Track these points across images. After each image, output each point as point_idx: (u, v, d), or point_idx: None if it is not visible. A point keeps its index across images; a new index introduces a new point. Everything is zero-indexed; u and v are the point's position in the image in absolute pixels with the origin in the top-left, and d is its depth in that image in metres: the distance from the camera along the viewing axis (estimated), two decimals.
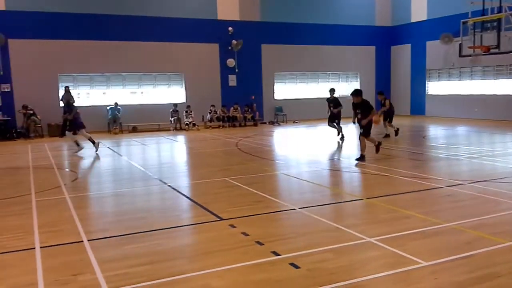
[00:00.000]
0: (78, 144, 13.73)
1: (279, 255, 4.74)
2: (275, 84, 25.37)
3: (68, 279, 4.28)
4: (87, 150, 13.79)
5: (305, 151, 13.31)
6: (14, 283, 4.26)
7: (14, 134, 18.97)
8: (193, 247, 5.32)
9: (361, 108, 10.65)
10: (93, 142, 13.74)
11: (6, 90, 19.42)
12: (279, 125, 23.46)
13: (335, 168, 10.51)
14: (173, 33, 22.17)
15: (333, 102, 15.45)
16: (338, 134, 15.48)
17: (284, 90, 25.84)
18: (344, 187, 8.41)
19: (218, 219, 6.19)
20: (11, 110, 19.45)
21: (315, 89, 26.12)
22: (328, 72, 26.77)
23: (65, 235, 5.68)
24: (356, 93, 10.81)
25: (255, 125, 23.48)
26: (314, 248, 4.94)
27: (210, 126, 22.67)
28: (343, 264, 4.48)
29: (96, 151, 13.61)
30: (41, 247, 5.19)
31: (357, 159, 10.62)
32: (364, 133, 10.74)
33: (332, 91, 15.60)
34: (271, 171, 10.10)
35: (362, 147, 10.74)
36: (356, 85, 27.40)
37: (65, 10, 20.05)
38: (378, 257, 4.69)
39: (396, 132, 15.61)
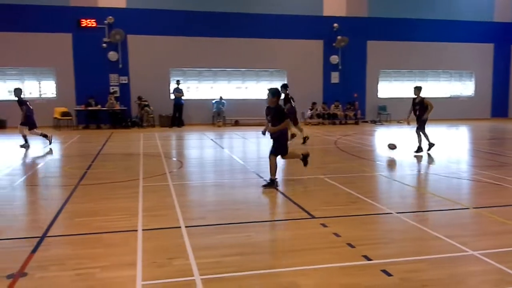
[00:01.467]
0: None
1: (370, 260, 4.57)
2: (379, 82, 24.50)
3: (164, 262, 4.54)
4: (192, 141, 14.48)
5: (409, 153, 12.68)
6: (116, 261, 4.61)
7: (129, 123, 20.61)
8: (283, 243, 5.33)
9: (271, 114, 8.06)
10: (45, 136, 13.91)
11: (124, 82, 21.14)
12: (381, 124, 22.63)
13: (441, 173, 9.86)
14: (278, 30, 22.41)
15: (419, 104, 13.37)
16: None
17: (389, 88, 24.84)
18: (449, 194, 7.86)
19: (310, 217, 6.14)
20: (128, 100, 21.14)
21: (424, 88, 24.69)
22: (439, 71, 25.17)
23: (165, 220, 6.03)
24: (273, 93, 8.07)
25: (356, 123, 22.90)
26: (409, 256, 4.68)
27: (310, 123, 22.58)
28: (439, 277, 4.18)
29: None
30: (143, 230, 5.57)
31: (264, 186, 8.07)
32: (277, 151, 8.08)
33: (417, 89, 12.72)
34: (370, 172, 9.77)
35: (272, 169, 8.03)
36: (470, 85, 25.49)
37: (178, 8, 21.24)
38: (481, 272, 4.31)
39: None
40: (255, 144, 15.31)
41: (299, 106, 22.14)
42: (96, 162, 10.99)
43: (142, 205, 6.75)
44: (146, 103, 20.97)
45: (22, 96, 13.96)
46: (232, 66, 22.55)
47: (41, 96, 20.51)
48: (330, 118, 22.76)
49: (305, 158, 8.87)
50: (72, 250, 4.94)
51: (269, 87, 8.57)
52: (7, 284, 4.03)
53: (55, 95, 20.52)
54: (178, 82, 21.27)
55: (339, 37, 23.02)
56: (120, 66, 20.91)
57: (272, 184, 8.01)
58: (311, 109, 22.68)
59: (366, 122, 23.62)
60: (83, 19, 20.15)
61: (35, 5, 19.45)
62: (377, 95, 24.44)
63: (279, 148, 8.11)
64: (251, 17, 22.08)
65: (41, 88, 20.60)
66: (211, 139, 15.89)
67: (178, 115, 21.17)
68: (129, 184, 8.41)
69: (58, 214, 6.32)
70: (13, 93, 13.99)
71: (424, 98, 12.52)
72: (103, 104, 20.26)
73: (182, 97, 21.17)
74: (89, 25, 20.30)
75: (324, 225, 5.73)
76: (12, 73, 20.21)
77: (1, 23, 19.24)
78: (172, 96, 21.26)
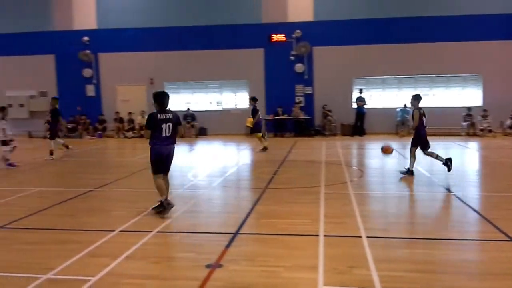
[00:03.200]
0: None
1: None
2: None
3: (344, 269, 4.60)
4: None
5: None
6: (299, 262, 4.85)
7: (312, 132, 21.29)
8: (473, 265, 4.88)
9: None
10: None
11: (308, 92, 21.95)
12: None
13: None
14: (470, 31, 20.43)
15: None
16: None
17: None
18: None
19: (508, 239, 5.47)
20: (311, 110, 21.86)
21: None
22: None
23: (346, 228, 6.08)
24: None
25: None
26: None
27: (510, 134, 19.99)
28: None
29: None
30: (324, 236, 5.72)
31: (153, 208, 6.96)
32: None
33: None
34: None
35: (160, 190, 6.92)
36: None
37: (361, 17, 21.12)
38: None
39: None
40: (444, 155, 14.23)
41: (497, 115, 19.83)
42: (282, 168, 11.66)
43: (323, 212, 6.93)
44: (330, 112, 21.40)
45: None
46: (419, 73, 21.41)
47: (236, 106, 22.63)
48: None
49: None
50: (259, 248, 5.37)
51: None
52: (206, 272, 4.60)
53: (247, 106, 22.47)
54: (361, 91, 21.16)
55: None
56: (306, 77, 21.78)
57: (162, 207, 6.86)
58: (510, 118, 20.06)
59: None
60: (273, 34, 21.65)
61: (232, 24, 21.65)
62: None
63: None
64: (438, 20, 20.61)
65: (236, 99, 22.76)
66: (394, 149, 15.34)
67: (359, 123, 21.03)
68: (311, 190, 8.71)
69: (249, 214, 6.93)
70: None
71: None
72: (289, 113, 21.39)
73: (364, 106, 20.96)
74: (279, 39, 21.70)
75: None
76: (213, 86, 22.84)
77: (203, 42, 21.91)
78: (355, 105, 21.22)
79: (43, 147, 17.08)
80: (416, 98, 10.02)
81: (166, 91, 7.77)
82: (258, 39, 21.57)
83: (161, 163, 6.97)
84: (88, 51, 22.18)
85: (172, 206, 6.87)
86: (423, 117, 9.94)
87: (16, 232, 6.21)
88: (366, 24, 21.19)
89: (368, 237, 5.62)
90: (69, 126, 20.25)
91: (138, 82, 22.31)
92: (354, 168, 11.77)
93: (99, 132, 21.89)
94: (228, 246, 5.38)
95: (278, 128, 21.55)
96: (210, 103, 22.57)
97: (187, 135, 21.16)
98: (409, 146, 10.14)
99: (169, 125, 6.80)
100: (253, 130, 15.24)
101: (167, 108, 6.92)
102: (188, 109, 22.07)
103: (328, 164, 12.09)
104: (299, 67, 21.65)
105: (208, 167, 12.17)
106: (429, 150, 9.95)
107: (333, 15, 21.42)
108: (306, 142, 18.75)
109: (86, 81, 22.54)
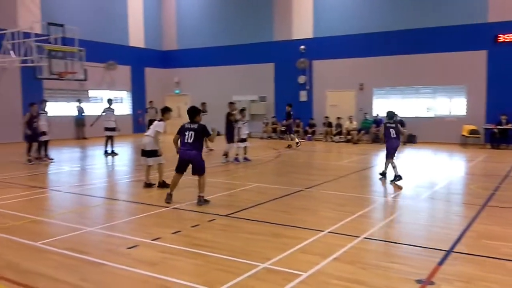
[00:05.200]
0: None
1: None
2: None
3: None
4: None
5: None
6: None
7: None
8: None
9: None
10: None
11: None
12: None
13: None
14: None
15: None
16: None
17: None
18: None
19: None
20: None
21: None
22: None
23: None
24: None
25: None
26: None
27: None
28: None
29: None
30: None
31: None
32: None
33: None
34: None
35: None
36: None
37: None
38: None
39: None
40: None
41: None
42: (504, 184, 10.39)
43: None
44: None
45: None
46: None
47: (451, 113, 20.98)
48: None
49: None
50: (477, 271, 4.92)
51: None
52: (417, 287, 4.45)
53: (465, 113, 20.61)
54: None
55: None
56: None
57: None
58: None
59: None
60: (501, 34, 19.36)
61: (450, 26, 20.12)
62: None
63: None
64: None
65: (451, 105, 21.10)
66: None
67: None
68: None
69: (464, 231, 6.41)
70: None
71: None
72: None
73: None
74: (507, 40, 19.31)
75: None
76: (425, 91, 21.61)
77: (417, 46, 20.92)
78: None
79: (261, 146, 18.89)
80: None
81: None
82: (481, 40, 19.65)
83: (180, 163, 8.05)
84: (304, 59, 23.56)
85: (168, 202, 8.05)
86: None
87: (240, 221, 7.05)
88: None
89: None
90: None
91: (347, 88, 22.70)
92: None
93: (309, 135, 23.03)
94: (441, 263, 5.09)
95: (501, 139, 19.16)
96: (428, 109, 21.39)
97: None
98: None
99: (191, 134, 7.88)
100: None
101: (195, 120, 8.04)
102: (377, 114, 21.50)
103: None
104: None
105: (416, 177, 11.62)
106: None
107: None
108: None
109: (300, 87, 23.98)
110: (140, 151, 9.97)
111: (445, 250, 5.51)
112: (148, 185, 9.81)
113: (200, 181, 8.02)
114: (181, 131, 8.04)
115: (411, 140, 20.71)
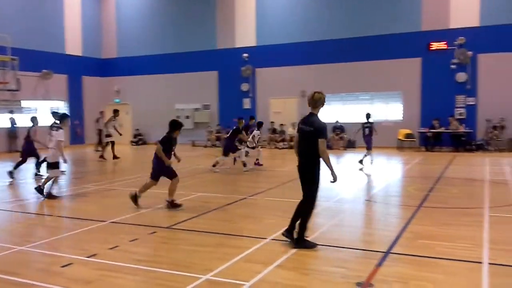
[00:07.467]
0: None
1: None
2: None
3: None
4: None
5: None
6: None
7: (473, 146, 19.43)
8: None
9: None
10: None
11: (470, 103, 20.12)
12: None
13: None
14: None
15: None
16: None
17: None
18: None
19: None
20: (473, 123, 19.98)
21: None
22: None
23: None
24: None
25: None
26: None
27: None
28: None
29: None
30: (489, 263, 5.18)
31: None
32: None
33: None
34: None
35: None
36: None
37: None
38: None
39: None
40: None
41: None
42: (438, 185, 10.89)
43: (488, 236, 6.28)
44: (499, 124, 19.31)
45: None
46: None
47: (388, 118, 21.81)
48: None
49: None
50: (414, 271, 5.07)
51: None
52: None
53: (401, 118, 21.49)
54: None
55: None
56: (468, 87, 20.04)
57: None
58: None
59: None
60: (433, 42, 20.41)
61: (387, 34, 20.97)
62: None
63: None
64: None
65: (388, 110, 21.93)
66: None
67: None
68: (472, 211, 7.97)
69: (401, 232, 6.62)
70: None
71: None
72: (446, 126, 19.87)
73: None
74: (439, 47, 20.39)
75: None
76: (365, 98, 22.35)
77: (355, 54, 21.65)
78: None
79: (205, 155, 18.69)
80: None
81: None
82: (415, 48, 20.64)
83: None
84: (249, 66, 23.67)
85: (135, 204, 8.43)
86: None
87: (182, 233, 6.89)
88: None
89: None
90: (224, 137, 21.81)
91: (290, 95, 23.04)
92: None
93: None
94: (379, 265, 5.21)
95: (433, 142, 20.15)
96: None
97: (335, 147, 21.11)
98: None
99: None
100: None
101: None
102: (337, 121, 22.02)
103: (493, 184, 10.91)
104: (460, 76, 20.06)
105: (356, 181, 11.94)
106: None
107: (500, 19, 19.40)
108: (466, 158, 17.22)
109: (244, 94, 24.06)
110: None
111: (383, 252, 5.65)
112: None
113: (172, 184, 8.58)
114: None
115: (351, 145, 21.33)
